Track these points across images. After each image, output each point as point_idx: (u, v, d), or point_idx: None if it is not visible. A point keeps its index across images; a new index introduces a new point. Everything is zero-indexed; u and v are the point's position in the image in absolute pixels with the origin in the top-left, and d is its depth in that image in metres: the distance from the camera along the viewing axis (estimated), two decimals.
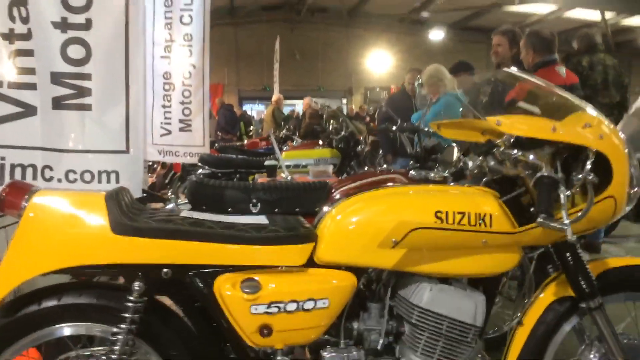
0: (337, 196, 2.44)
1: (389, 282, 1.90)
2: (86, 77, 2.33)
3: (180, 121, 4.26)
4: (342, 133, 5.55)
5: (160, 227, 1.67)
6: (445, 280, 1.87)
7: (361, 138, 5.65)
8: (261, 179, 4.14)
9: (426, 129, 3.57)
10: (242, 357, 1.82)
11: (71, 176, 2.34)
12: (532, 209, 1.82)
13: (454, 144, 2.37)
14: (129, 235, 1.64)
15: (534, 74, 3.59)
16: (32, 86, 2.32)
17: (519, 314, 1.98)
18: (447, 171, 2.06)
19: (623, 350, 1.91)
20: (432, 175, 2.01)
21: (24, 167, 2.32)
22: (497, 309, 2.91)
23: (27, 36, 2.29)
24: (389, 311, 1.88)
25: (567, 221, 1.64)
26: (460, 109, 2.27)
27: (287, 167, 4.83)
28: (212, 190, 2.15)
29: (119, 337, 1.67)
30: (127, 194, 1.83)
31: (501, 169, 1.87)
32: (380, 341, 1.87)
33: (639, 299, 2.04)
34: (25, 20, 2.27)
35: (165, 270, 1.68)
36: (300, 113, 12.97)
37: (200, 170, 4.85)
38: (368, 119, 13.82)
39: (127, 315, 1.67)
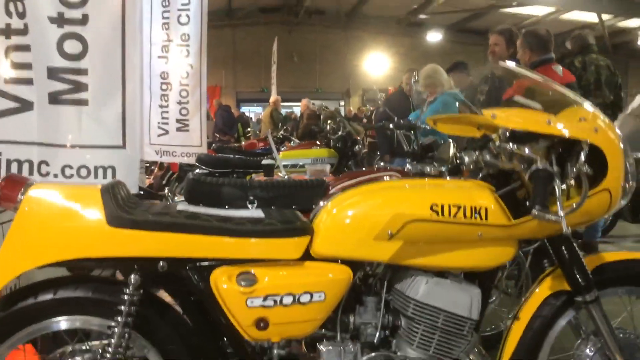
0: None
1: (385, 276, 1.90)
2: (82, 72, 2.33)
3: (178, 121, 4.27)
4: (340, 133, 5.55)
5: (156, 220, 1.67)
6: (441, 273, 1.88)
7: (358, 138, 5.65)
8: (258, 178, 4.15)
9: (423, 126, 3.58)
10: (239, 352, 1.82)
11: (67, 171, 2.34)
12: (527, 203, 1.83)
13: (450, 140, 2.37)
14: (124, 227, 1.64)
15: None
16: (28, 81, 2.32)
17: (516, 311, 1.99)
18: (443, 167, 2.07)
19: (619, 345, 1.92)
20: (428, 169, 2.02)
21: (20, 162, 2.32)
22: (495, 307, 2.92)
23: (23, 31, 2.29)
24: (385, 305, 1.88)
25: (561, 213, 1.65)
26: (458, 107, 2.28)
27: (285, 166, 4.84)
28: (209, 187, 2.16)
29: (115, 330, 1.67)
30: (123, 188, 1.83)
31: (497, 162, 1.88)
32: (377, 335, 1.87)
33: (635, 293, 2.04)
34: (21, 15, 2.27)
35: (161, 263, 1.68)
36: (298, 115, 12.99)
37: (197, 170, 4.85)
38: (365, 120, 13.83)
39: (123, 308, 1.67)
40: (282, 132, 8.67)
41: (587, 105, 1.95)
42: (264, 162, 4.24)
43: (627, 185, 1.87)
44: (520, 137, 1.81)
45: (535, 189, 1.70)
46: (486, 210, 1.78)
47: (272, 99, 12.07)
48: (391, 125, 3.90)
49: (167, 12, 4.17)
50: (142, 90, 3.34)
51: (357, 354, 1.84)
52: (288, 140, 7.69)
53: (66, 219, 1.64)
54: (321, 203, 1.87)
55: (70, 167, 2.34)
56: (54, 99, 2.32)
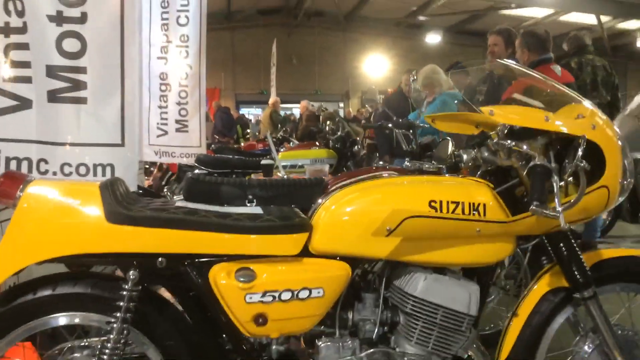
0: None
1: (384, 273, 1.91)
2: (81, 70, 2.33)
3: (177, 122, 4.27)
4: (339, 133, 5.56)
5: (154, 216, 1.67)
6: (439, 270, 1.88)
7: (358, 139, 5.66)
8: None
9: (422, 125, 3.58)
10: (238, 348, 1.83)
11: (66, 169, 2.35)
12: (525, 199, 1.83)
13: (449, 138, 2.38)
14: (123, 224, 1.64)
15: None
16: (27, 79, 2.32)
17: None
18: (442, 165, 2.07)
19: (617, 341, 1.92)
20: (427, 166, 2.02)
21: (19, 160, 2.32)
22: (494, 306, 2.92)
23: (22, 30, 2.29)
24: (384, 301, 1.89)
25: (559, 208, 1.65)
26: (457, 107, 2.28)
27: (284, 167, 4.84)
28: (208, 186, 2.15)
29: (114, 326, 1.67)
30: (122, 184, 1.84)
31: (495, 159, 1.88)
32: (375, 331, 1.88)
33: (633, 289, 2.05)
34: (20, 13, 2.27)
35: (160, 259, 1.68)
36: (298, 116, 12.99)
37: (196, 171, 4.85)
38: (364, 121, 13.83)
39: (121, 303, 1.67)
40: (281, 133, 8.67)
41: (586, 103, 1.96)
42: (263, 162, 4.24)
43: (625, 182, 1.88)
44: (519, 134, 1.82)
45: (533, 184, 1.71)
46: (484, 206, 1.78)
47: (271, 101, 12.08)
48: (390, 125, 3.90)
49: (166, 13, 4.17)
50: (142, 90, 3.34)
51: (355, 350, 1.84)
52: (287, 141, 7.70)
53: (65, 215, 1.65)
54: (319, 200, 1.88)
55: (69, 165, 2.35)
56: (53, 97, 2.32)
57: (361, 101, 21.16)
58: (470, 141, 2.03)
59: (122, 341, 1.69)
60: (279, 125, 10.26)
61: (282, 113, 12.93)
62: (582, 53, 4.97)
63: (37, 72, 2.30)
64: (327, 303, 1.76)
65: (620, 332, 1.97)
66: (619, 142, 1.87)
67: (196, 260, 1.72)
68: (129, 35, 2.39)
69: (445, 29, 20.29)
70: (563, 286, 1.94)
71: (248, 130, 14.03)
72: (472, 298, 1.84)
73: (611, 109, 4.99)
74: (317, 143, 5.96)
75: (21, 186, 1.66)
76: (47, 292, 1.71)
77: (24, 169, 2.32)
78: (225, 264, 1.71)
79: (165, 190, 5.39)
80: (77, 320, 1.76)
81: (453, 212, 1.76)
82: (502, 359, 1.95)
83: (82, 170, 2.36)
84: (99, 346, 1.70)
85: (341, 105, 21.44)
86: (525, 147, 1.76)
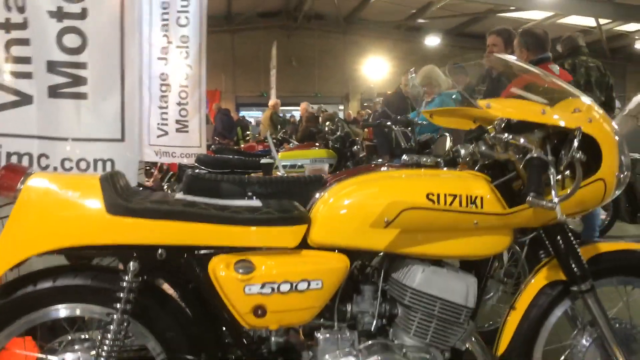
0: None
1: (382, 265, 1.92)
2: (82, 65, 2.35)
3: (177, 122, 4.25)
4: (338, 133, 5.57)
5: (154, 208, 1.68)
6: (437, 262, 1.89)
7: (357, 139, 5.68)
8: None
9: (420, 122, 3.59)
10: (237, 341, 1.83)
11: (67, 164, 2.36)
12: (522, 192, 1.84)
13: (447, 134, 2.39)
14: (123, 215, 1.65)
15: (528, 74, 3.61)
16: (28, 75, 2.33)
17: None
18: (439, 159, 2.08)
19: (615, 334, 1.93)
20: (425, 159, 2.03)
21: (20, 155, 2.33)
22: (493, 303, 2.93)
23: (23, 25, 2.30)
24: (382, 294, 1.89)
25: (556, 200, 1.66)
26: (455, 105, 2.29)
27: (284, 167, 4.86)
28: (207, 183, 2.16)
29: (114, 317, 1.68)
30: (122, 177, 1.85)
31: (492, 153, 1.89)
32: (374, 323, 1.88)
33: (630, 283, 2.06)
34: (21, 9, 2.29)
35: (160, 251, 1.69)
36: (298, 118, 13.01)
37: (196, 171, 4.86)
38: (363, 122, 13.86)
39: (122, 295, 1.68)
40: (281, 134, 8.69)
41: (583, 98, 1.97)
42: (263, 161, 4.26)
43: (621, 175, 1.88)
44: (516, 127, 1.83)
45: (530, 176, 1.72)
46: (482, 199, 1.79)
47: (271, 102, 12.10)
48: (389, 123, 3.92)
49: (166, 14, 4.16)
50: (142, 90, 3.35)
51: (354, 343, 1.84)
52: (287, 142, 7.72)
53: (65, 207, 1.66)
54: (318, 193, 1.89)
55: (70, 160, 2.36)
56: (54, 92, 2.34)
57: (361, 103, 21.21)
58: (468, 135, 2.04)
59: (122, 333, 1.70)
60: (279, 127, 10.28)
61: (282, 115, 12.95)
62: (576, 54, 4.98)
63: (38, 68, 2.31)
64: (326, 295, 1.77)
65: (617, 325, 1.98)
66: (616, 137, 1.88)
67: (196, 252, 1.73)
68: (129, 31, 2.41)
69: (444, 32, 20.33)
70: (561, 279, 1.95)
71: (248, 132, 14.05)
72: (470, 290, 1.85)
73: (605, 109, 5.00)
74: (316, 144, 5.98)
75: (22, 179, 1.67)
76: (47, 284, 1.71)
77: (25, 164, 2.33)
78: (224, 256, 1.72)
79: (165, 188, 5.40)
80: (77, 312, 1.76)
81: (450, 204, 1.77)
82: (500, 352, 1.96)
83: (83, 165, 2.37)
84: (99, 337, 1.71)
85: (341, 107, 21.48)
86: (522, 140, 1.77)
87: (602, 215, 5.67)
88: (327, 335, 1.83)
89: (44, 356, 1.76)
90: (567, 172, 1.84)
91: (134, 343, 1.84)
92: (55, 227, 1.65)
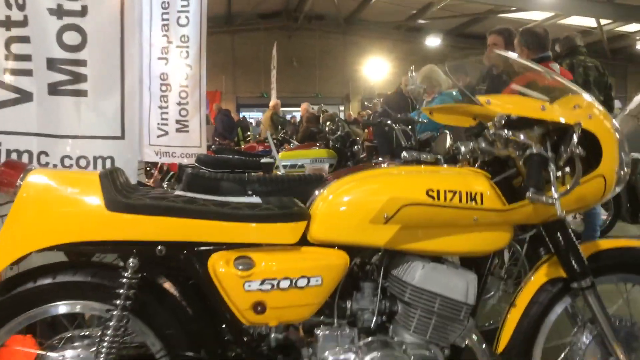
0: None
1: (382, 262, 1.92)
2: (82, 63, 2.35)
3: (177, 122, 4.27)
4: (339, 133, 5.57)
5: (154, 204, 1.68)
6: (437, 259, 1.89)
7: (357, 139, 5.68)
8: None
9: (420, 120, 3.59)
10: (237, 338, 1.83)
11: (67, 161, 2.36)
12: (522, 188, 1.84)
13: (447, 132, 2.39)
14: (123, 212, 1.65)
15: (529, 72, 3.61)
16: (28, 72, 2.33)
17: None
18: (439, 156, 2.08)
19: (615, 331, 1.93)
20: (424, 156, 2.03)
21: (19, 153, 2.33)
22: (494, 303, 2.93)
23: (23, 23, 2.30)
24: (382, 290, 1.89)
25: (556, 195, 1.66)
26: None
27: (284, 167, 4.86)
28: (207, 182, 2.16)
29: (114, 313, 1.68)
30: (122, 174, 1.85)
31: (492, 150, 1.89)
32: (373, 320, 1.88)
33: (630, 280, 2.06)
34: (21, 7, 2.29)
35: (159, 247, 1.69)
36: (298, 119, 13.00)
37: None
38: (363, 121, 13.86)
39: (121, 291, 1.68)
40: (281, 134, 8.69)
41: (584, 95, 1.97)
42: (263, 160, 4.26)
43: (621, 172, 1.88)
44: (516, 124, 1.82)
45: (530, 172, 1.72)
46: (482, 195, 1.79)
47: (272, 103, 12.10)
48: (389, 121, 3.92)
49: (166, 14, 4.18)
50: (142, 90, 3.35)
51: (354, 339, 1.84)
52: (287, 142, 7.72)
53: (65, 203, 1.66)
54: (317, 191, 1.89)
55: (70, 158, 2.36)
56: (54, 90, 2.33)
57: (361, 104, 21.21)
58: (468, 132, 2.04)
59: (122, 329, 1.70)
60: (280, 127, 10.28)
61: (282, 116, 12.95)
62: (574, 54, 4.97)
63: (38, 65, 2.31)
64: (326, 291, 1.77)
65: (618, 322, 1.97)
66: (616, 134, 1.87)
67: (195, 248, 1.73)
68: (129, 29, 2.41)
69: (445, 32, 20.34)
70: (561, 276, 1.95)
71: (249, 133, 14.05)
72: (470, 287, 1.85)
73: (605, 109, 5.00)
74: (317, 144, 5.98)
75: (22, 175, 1.68)
76: (47, 281, 1.71)
77: (25, 161, 2.32)
78: (224, 252, 1.72)
79: (165, 187, 5.40)
80: (77, 309, 1.76)
81: (450, 200, 1.77)
82: (500, 349, 1.96)
83: (83, 162, 2.37)
84: (99, 334, 1.71)
85: (341, 108, 21.49)
86: (522, 136, 1.77)
87: (603, 215, 5.66)
88: (327, 332, 1.83)
89: (43, 353, 1.75)
90: (567, 169, 1.84)
91: (133, 340, 1.84)
92: (55, 223, 1.65)
